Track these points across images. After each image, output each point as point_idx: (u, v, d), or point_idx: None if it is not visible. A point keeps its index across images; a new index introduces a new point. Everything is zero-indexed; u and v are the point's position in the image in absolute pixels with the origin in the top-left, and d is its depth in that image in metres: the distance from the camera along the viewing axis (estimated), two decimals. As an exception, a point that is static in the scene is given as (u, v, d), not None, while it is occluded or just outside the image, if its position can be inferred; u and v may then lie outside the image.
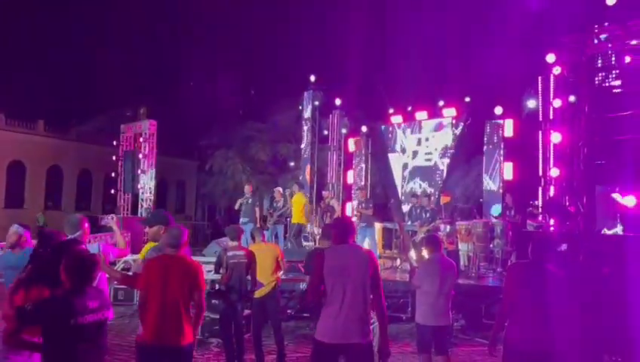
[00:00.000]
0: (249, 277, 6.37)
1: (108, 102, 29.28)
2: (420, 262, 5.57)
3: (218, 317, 6.57)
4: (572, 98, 9.33)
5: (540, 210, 10.99)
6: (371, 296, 3.66)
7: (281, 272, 7.04)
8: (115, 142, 17.36)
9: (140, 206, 15.76)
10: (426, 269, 5.34)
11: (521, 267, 4.31)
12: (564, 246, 5.58)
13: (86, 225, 4.41)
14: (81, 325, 2.96)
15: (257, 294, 6.54)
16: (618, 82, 8.64)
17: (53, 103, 28.01)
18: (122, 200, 16.67)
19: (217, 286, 6.76)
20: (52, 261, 3.31)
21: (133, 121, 16.96)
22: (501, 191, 12.72)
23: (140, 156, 15.70)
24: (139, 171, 15.73)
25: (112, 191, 17.42)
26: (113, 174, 17.45)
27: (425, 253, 5.19)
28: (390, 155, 15.61)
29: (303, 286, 9.72)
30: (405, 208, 14.18)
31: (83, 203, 27.32)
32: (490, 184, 13.16)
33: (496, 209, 11.88)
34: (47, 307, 3.04)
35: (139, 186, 15.77)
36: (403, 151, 15.31)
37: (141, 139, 15.84)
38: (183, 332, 3.89)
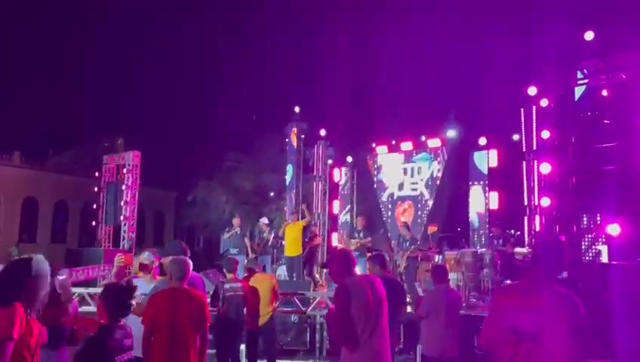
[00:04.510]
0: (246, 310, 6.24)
1: (85, 132, 28.94)
2: (425, 293, 5.54)
3: (214, 351, 6.37)
4: (557, 129, 9.57)
5: (526, 238, 11.12)
6: None
7: (277, 303, 6.95)
8: (97, 173, 16.99)
9: (121, 238, 15.39)
10: (431, 300, 5.31)
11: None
12: (565, 274, 5.63)
13: None
14: None
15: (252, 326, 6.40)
16: (600, 113, 8.91)
17: (29, 134, 27.54)
18: (103, 233, 16.26)
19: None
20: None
21: (110, 151, 16.64)
22: (487, 220, 12.82)
23: (123, 187, 15.40)
24: (122, 203, 15.41)
25: (93, 223, 16.96)
26: (95, 206, 17.02)
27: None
28: (376, 185, 15.67)
29: (294, 318, 9.53)
30: (392, 236, 14.17)
31: (59, 235, 26.57)
32: (475, 214, 13.26)
33: None
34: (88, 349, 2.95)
35: (121, 218, 15.44)
36: (389, 180, 15.39)
37: (124, 170, 15.56)
38: (193, 367, 3.77)
